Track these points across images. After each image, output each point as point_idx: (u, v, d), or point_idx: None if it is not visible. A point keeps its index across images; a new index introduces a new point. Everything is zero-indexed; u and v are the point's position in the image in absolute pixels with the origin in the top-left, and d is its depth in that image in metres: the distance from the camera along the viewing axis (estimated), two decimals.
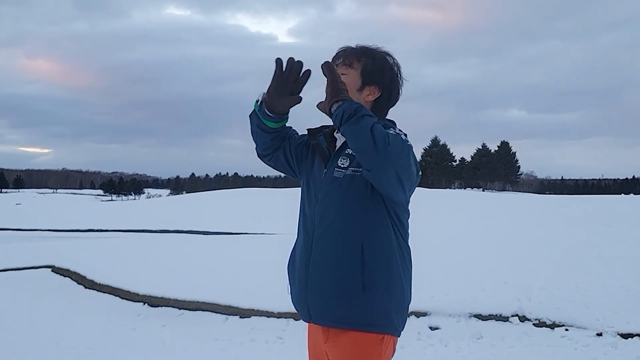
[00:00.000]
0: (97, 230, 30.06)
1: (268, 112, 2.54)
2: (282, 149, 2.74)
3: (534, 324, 7.34)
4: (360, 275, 2.40)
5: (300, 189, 2.73)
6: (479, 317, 7.56)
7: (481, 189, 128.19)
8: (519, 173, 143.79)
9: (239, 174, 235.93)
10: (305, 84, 2.49)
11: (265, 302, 8.34)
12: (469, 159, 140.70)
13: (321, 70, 2.38)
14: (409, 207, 2.61)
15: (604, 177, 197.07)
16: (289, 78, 2.43)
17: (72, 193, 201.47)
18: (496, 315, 7.56)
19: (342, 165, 2.49)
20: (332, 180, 2.50)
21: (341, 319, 2.44)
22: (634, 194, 79.59)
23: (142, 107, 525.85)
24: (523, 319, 7.44)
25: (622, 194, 76.05)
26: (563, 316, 7.34)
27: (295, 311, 2.65)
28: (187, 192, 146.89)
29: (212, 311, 8.62)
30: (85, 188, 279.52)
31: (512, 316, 7.50)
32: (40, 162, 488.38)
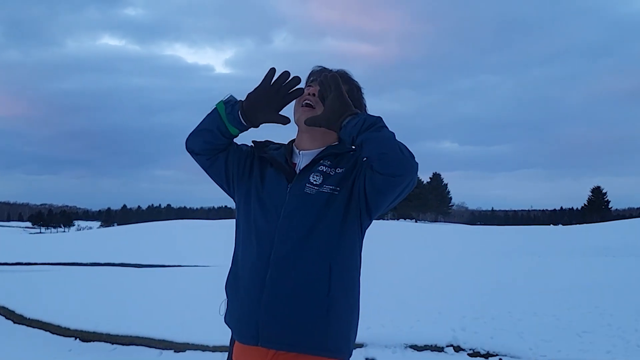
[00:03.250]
0: (26, 264, 29.16)
1: (241, 119, 2.40)
2: (225, 154, 2.57)
3: (468, 354, 7.42)
4: (326, 297, 2.31)
5: (239, 204, 2.57)
6: (415, 347, 7.61)
7: (414, 220, 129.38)
8: (450, 204, 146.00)
9: (172, 206, 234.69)
10: (290, 102, 2.40)
11: (200, 336, 8.24)
12: None
13: (321, 82, 2.36)
14: None
15: (533, 208, 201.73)
16: (278, 91, 2.33)
17: None
18: (431, 345, 7.62)
19: (314, 182, 2.40)
20: (302, 196, 2.39)
21: (299, 343, 2.30)
22: (562, 224, 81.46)
23: (75, 138, 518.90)
24: (458, 349, 7.52)
25: (551, 225, 77.74)
26: (497, 346, 7.44)
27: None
28: (118, 224, 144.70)
29: (146, 345, 8.48)
30: (12, 220, 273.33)
31: (447, 346, 7.57)
32: None
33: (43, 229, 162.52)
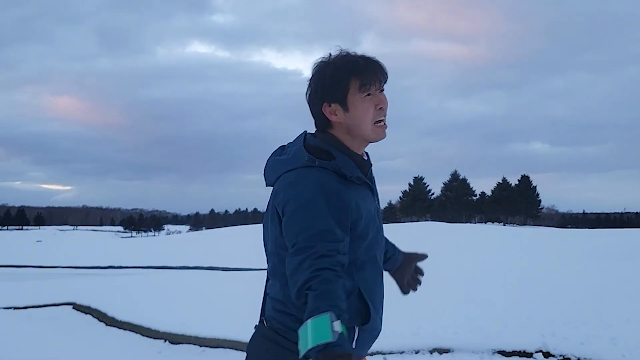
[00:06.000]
0: (118, 267, 30.09)
1: None
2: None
3: None
4: None
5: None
6: (503, 353, 7.47)
7: (502, 223, 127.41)
8: (539, 207, 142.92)
9: (258, 210, 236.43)
10: None
11: None
12: (489, 193, 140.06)
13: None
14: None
15: (626, 211, 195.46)
16: None
17: (92, 230, 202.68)
18: (520, 351, 7.46)
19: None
20: (381, 220, 2.35)
21: None
22: None
23: (165, 144, 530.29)
24: (547, 354, 7.35)
25: None
26: (588, 352, 7.23)
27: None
28: (206, 228, 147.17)
29: (233, 348, 8.57)
30: (105, 225, 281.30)
31: (536, 352, 7.40)
32: (61, 199, 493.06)
33: (134, 233, 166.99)
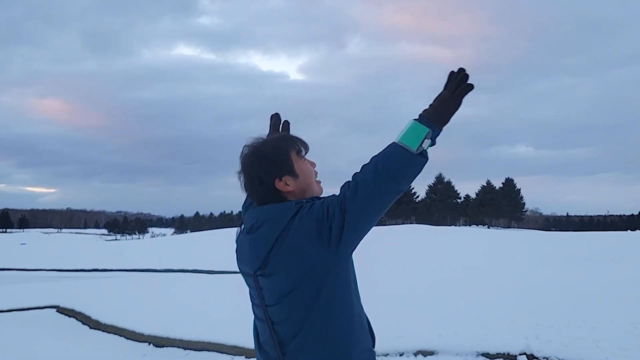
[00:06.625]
0: (102, 270, 29.80)
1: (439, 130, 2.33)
2: None
3: None
4: None
5: None
6: (487, 355, 7.49)
7: (486, 226, 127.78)
8: (524, 210, 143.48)
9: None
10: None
11: None
12: (473, 196, 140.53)
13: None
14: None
15: (610, 214, 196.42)
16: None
17: (76, 232, 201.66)
18: (504, 353, 7.49)
19: None
20: None
21: None
22: None
23: (151, 146, 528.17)
24: (531, 357, 7.37)
25: (629, 230, 75.52)
26: (572, 354, 7.26)
27: None
28: (191, 231, 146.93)
29: (218, 351, 8.56)
30: (89, 227, 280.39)
31: (520, 354, 7.43)
32: (45, 201, 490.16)
33: (118, 236, 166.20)
